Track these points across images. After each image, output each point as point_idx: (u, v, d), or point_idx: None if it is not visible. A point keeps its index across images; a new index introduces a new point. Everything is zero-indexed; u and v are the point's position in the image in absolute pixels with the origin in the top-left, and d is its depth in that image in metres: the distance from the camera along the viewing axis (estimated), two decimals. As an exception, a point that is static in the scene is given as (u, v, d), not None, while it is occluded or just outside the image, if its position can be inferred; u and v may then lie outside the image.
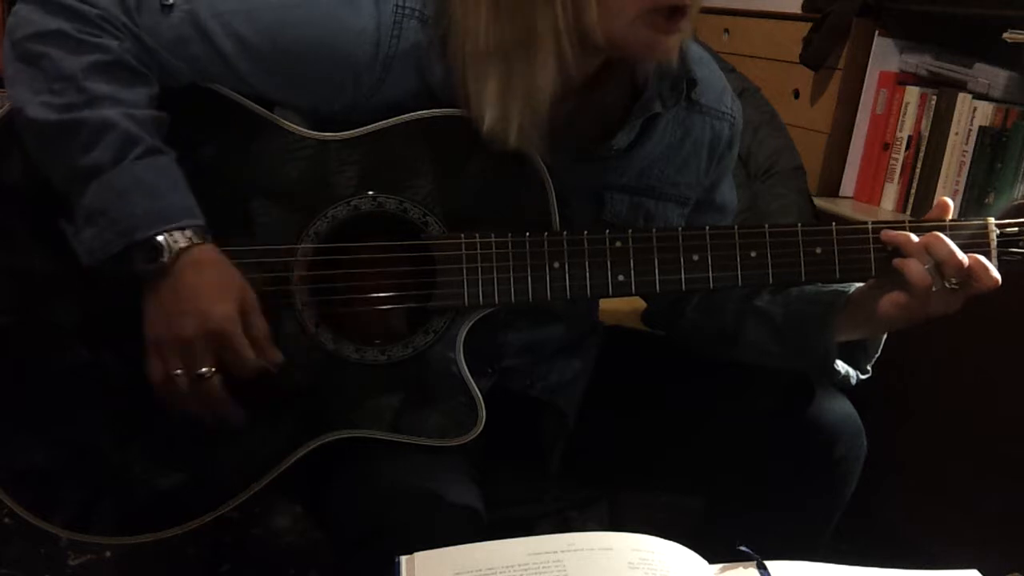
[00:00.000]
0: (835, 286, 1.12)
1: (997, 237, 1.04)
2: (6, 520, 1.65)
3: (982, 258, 1.00)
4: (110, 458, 1.05)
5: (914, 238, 1.02)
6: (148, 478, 1.06)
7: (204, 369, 0.96)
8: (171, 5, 1.00)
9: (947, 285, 1.00)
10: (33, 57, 0.97)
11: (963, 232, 1.03)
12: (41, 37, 0.97)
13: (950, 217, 1.05)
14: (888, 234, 1.03)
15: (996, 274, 1.00)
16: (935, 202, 1.06)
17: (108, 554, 1.73)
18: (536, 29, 0.98)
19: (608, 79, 1.08)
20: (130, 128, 0.96)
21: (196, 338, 0.96)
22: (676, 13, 1.00)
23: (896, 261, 1.02)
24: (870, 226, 1.05)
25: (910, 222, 1.04)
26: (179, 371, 0.97)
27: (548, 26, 0.98)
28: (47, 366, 1.05)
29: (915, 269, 1.00)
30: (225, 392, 0.99)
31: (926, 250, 1.01)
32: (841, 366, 1.14)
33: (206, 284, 0.96)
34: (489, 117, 1.00)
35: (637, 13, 0.98)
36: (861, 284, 1.10)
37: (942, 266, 1.00)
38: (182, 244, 0.95)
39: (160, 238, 0.95)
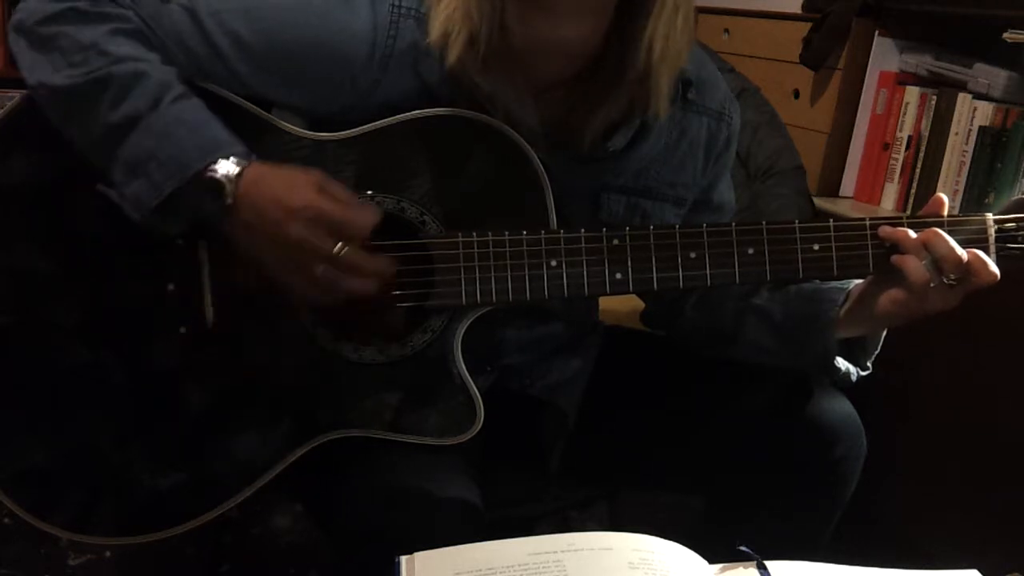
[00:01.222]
0: (834, 283, 1.12)
1: (996, 233, 1.04)
2: (6, 520, 1.65)
3: (981, 253, 1.00)
4: (110, 458, 1.05)
5: (912, 234, 1.02)
6: (148, 478, 1.06)
7: (336, 249, 0.94)
8: None
9: (945, 281, 1.00)
10: (48, 40, 0.97)
11: (962, 228, 1.03)
12: (54, 18, 0.98)
13: (945, 212, 1.05)
14: (886, 230, 1.03)
15: (995, 269, 1.00)
16: (931, 198, 1.06)
17: (108, 554, 1.73)
18: None
19: (604, 77, 1.08)
20: (161, 76, 0.97)
21: (308, 233, 0.94)
22: None
23: (894, 258, 1.02)
24: (868, 223, 1.05)
25: (908, 218, 1.04)
26: (321, 268, 0.95)
27: None
28: (47, 366, 1.05)
29: (913, 266, 1.00)
30: (367, 255, 0.97)
31: (924, 246, 1.01)
32: (841, 363, 1.14)
33: (279, 187, 0.95)
34: (434, 32, 1.00)
35: None
36: (860, 281, 1.10)
37: (941, 262, 1.00)
38: (236, 170, 0.95)
39: (218, 172, 0.94)
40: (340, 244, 0.94)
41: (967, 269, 0.99)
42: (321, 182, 0.97)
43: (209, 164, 0.94)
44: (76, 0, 0.98)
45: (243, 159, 0.96)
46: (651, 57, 1.03)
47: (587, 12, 1.02)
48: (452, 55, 1.00)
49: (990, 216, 1.04)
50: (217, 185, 0.94)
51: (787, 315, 1.16)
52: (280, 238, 0.95)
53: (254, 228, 0.96)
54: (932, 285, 1.00)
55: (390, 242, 1.04)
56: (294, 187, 0.96)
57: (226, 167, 0.95)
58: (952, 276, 1.00)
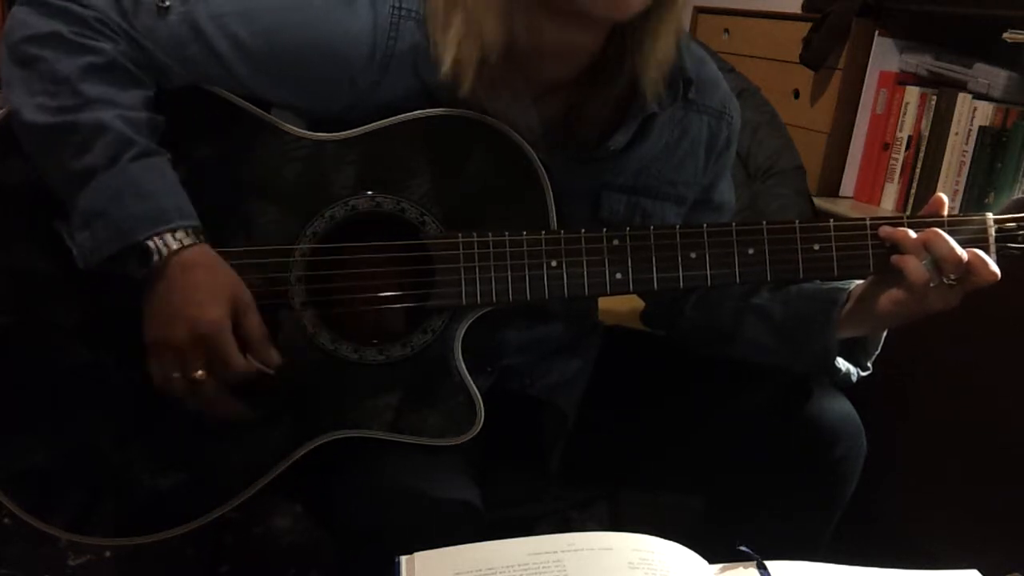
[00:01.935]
0: (835, 283, 1.12)
1: (995, 232, 1.04)
2: (6, 520, 1.65)
3: (981, 253, 1.00)
4: (110, 459, 1.05)
5: (912, 234, 1.02)
6: (148, 479, 1.06)
7: (197, 373, 0.97)
8: (167, 7, 1.00)
9: (945, 281, 1.00)
10: (29, 60, 0.97)
11: (962, 228, 1.03)
12: (37, 40, 0.97)
13: (945, 212, 1.05)
14: (886, 230, 1.03)
15: (995, 269, 1.00)
16: (931, 198, 1.06)
17: (108, 554, 1.73)
18: None
19: (604, 78, 1.08)
20: (124, 130, 0.96)
21: (185, 343, 0.96)
22: None
23: (894, 258, 1.02)
24: (868, 223, 1.05)
25: (908, 218, 1.04)
26: (176, 374, 0.97)
27: None
28: (47, 366, 1.05)
29: (913, 266, 1.00)
30: (222, 393, 0.99)
31: (924, 247, 1.01)
32: (842, 363, 1.14)
33: (196, 287, 0.96)
34: (445, 62, 1.00)
35: None
36: (860, 281, 1.10)
37: (941, 262, 1.00)
38: (173, 247, 0.96)
39: (151, 242, 0.95)
40: (203, 373, 0.97)
41: (967, 268, 0.99)
42: (245, 306, 0.98)
43: (151, 236, 0.95)
44: (61, 24, 0.97)
45: (190, 237, 0.97)
46: (651, 56, 1.03)
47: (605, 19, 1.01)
48: (466, 86, 1.00)
49: (990, 216, 1.04)
50: (149, 252, 0.95)
51: (787, 315, 1.16)
52: (165, 329, 0.97)
53: (155, 299, 0.97)
54: (932, 285, 1.00)
55: (390, 243, 1.04)
56: (213, 295, 0.97)
57: (167, 240, 0.95)
58: (952, 276, 1.00)
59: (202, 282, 0.97)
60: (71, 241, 0.97)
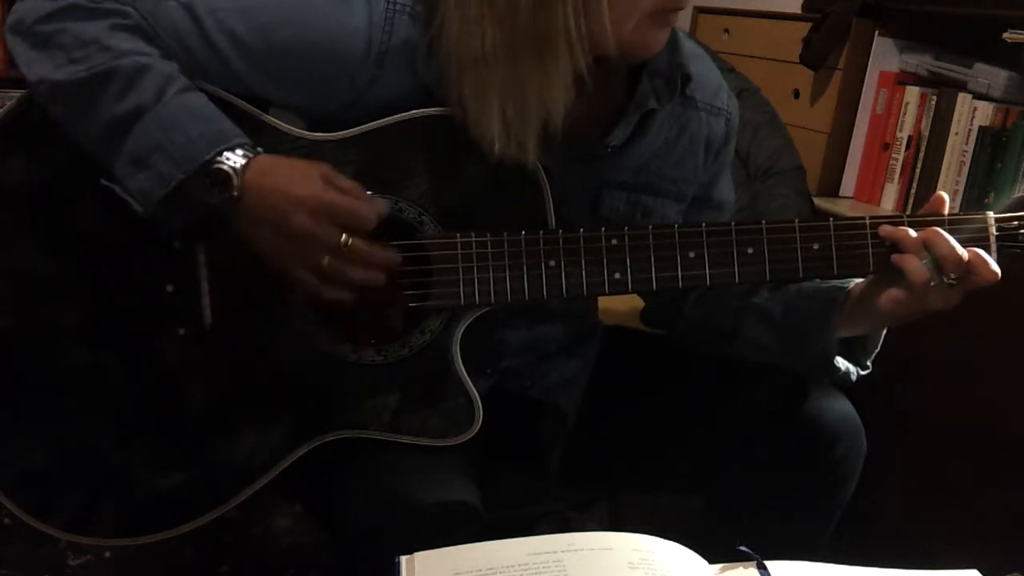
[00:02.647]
0: (834, 282, 1.12)
1: (996, 232, 1.03)
2: (6, 521, 1.65)
3: (982, 252, 1.00)
4: (110, 459, 1.05)
5: (912, 233, 1.02)
6: (147, 479, 1.06)
7: (341, 240, 0.95)
8: None
9: (946, 280, 1.00)
10: (48, 37, 0.97)
11: (962, 227, 1.03)
12: (53, 16, 0.97)
13: (946, 210, 1.05)
14: (886, 230, 1.03)
15: (996, 268, 1.00)
16: (932, 197, 1.06)
17: (108, 555, 1.73)
18: (546, 38, 0.97)
19: (603, 77, 1.08)
20: (164, 68, 0.97)
21: (313, 224, 0.94)
22: (672, 10, 1.00)
23: (894, 257, 1.02)
24: (868, 222, 1.04)
25: (908, 217, 1.04)
26: (326, 259, 0.95)
27: (559, 36, 0.97)
28: (47, 367, 1.05)
29: (913, 265, 1.00)
30: (372, 246, 0.97)
31: (925, 246, 1.00)
32: (841, 363, 1.14)
33: (284, 179, 0.95)
34: (500, 141, 0.99)
35: (646, 13, 0.98)
36: (860, 280, 1.10)
37: (941, 261, 0.99)
38: (243, 162, 0.95)
39: (223, 164, 0.94)
40: (345, 236, 0.94)
41: (968, 268, 0.99)
42: (327, 174, 0.97)
43: (216, 155, 0.94)
44: None
45: (249, 151, 0.96)
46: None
47: None
48: (532, 156, 1.00)
49: (991, 215, 1.04)
50: (223, 176, 0.94)
51: (787, 314, 1.16)
52: (285, 229, 0.95)
53: (259, 220, 0.96)
54: (932, 284, 1.00)
55: (388, 243, 1.04)
56: (300, 179, 0.96)
57: (232, 159, 0.94)
58: (952, 275, 1.00)
59: (285, 172, 0.96)
60: (126, 192, 0.96)
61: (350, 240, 0.95)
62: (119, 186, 0.96)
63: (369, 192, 1.02)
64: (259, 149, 0.97)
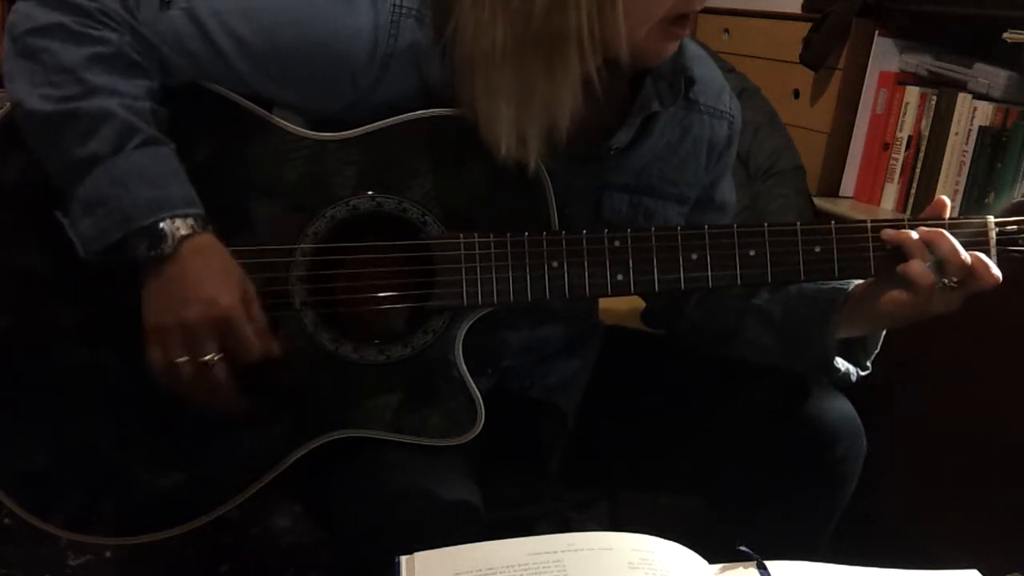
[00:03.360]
0: (834, 283, 1.12)
1: (996, 235, 1.03)
2: (6, 520, 1.65)
3: (983, 256, 1.00)
4: (110, 459, 1.05)
5: (914, 235, 1.02)
6: (148, 479, 1.06)
7: (209, 356, 0.95)
8: (169, 1, 1.00)
9: (947, 283, 1.00)
10: (33, 51, 0.97)
11: (963, 230, 1.03)
12: (41, 31, 0.97)
13: (947, 215, 1.05)
14: (888, 233, 1.03)
15: (997, 272, 1.00)
16: (933, 200, 1.06)
17: (108, 554, 1.73)
18: (558, 42, 0.97)
19: (607, 80, 1.08)
20: (129, 117, 0.95)
21: (201, 324, 0.95)
22: (685, 17, 1.00)
23: (900, 267, 1.02)
24: (869, 225, 1.04)
25: (909, 220, 1.04)
26: (184, 358, 0.96)
27: (571, 39, 0.96)
28: (47, 366, 1.05)
29: (917, 268, 1.00)
30: (231, 379, 0.98)
31: (927, 247, 1.00)
32: (841, 363, 1.14)
33: (210, 271, 0.96)
34: (506, 143, 0.99)
35: (659, 20, 0.98)
36: (861, 281, 1.10)
37: (943, 264, 1.00)
38: (184, 232, 0.95)
39: (163, 225, 0.94)
40: (216, 355, 0.95)
41: (970, 271, 0.99)
42: (251, 296, 0.97)
43: (155, 221, 0.94)
44: (64, 16, 0.97)
45: (198, 224, 0.96)
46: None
47: None
48: (534, 160, 1.00)
49: (991, 218, 1.04)
50: (159, 237, 0.94)
51: (787, 314, 1.16)
52: (178, 311, 0.95)
53: (165, 288, 0.96)
54: (934, 285, 1.00)
55: (391, 243, 1.04)
56: (226, 279, 0.96)
57: (177, 224, 0.94)
58: (954, 278, 1.00)
59: (215, 267, 0.96)
60: (72, 231, 0.96)
61: (216, 361, 0.95)
62: (67, 222, 0.96)
63: (370, 193, 1.02)
64: (209, 227, 0.97)
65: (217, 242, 0.98)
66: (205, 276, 0.95)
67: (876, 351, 1.16)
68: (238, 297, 0.96)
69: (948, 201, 1.06)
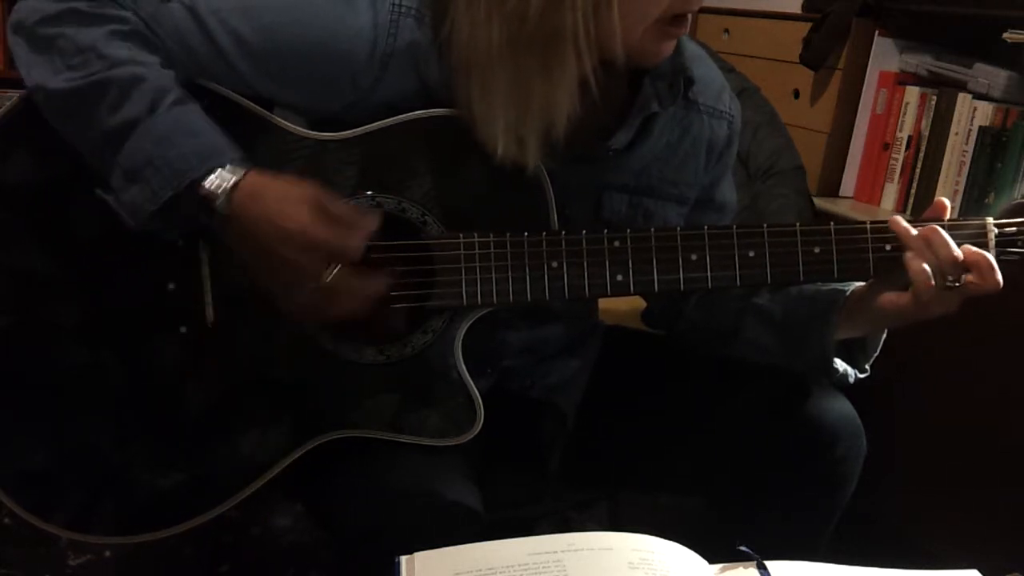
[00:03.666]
0: (834, 285, 1.12)
1: (996, 237, 1.04)
2: (6, 520, 1.65)
3: (988, 255, 1.00)
4: (110, 458, 1.05)
5: (913, 231, 1.02)
6: (148, 478, 1.06)
7: (328, 272, 0.94)
8: None
9: (945, 283, 1.00)
10: (47, 40, 0.97)
11: (961, 232, 1.03)
12: (52, 19, 0.97)
13: (947, 216, 1.05)
14: (895, 221, 1.03)
15: (999, 275, 1.00)
16: (933, 202, 1.06)
17: (108, 554, 1.73)
18: (553, 43, 0.96)
19: (606, 80, 1.08)
20: (159, 80, 0.96)
21: (298, 257, 0.94)
22: (681, 17, 1.00)
23: (905, 258, 1.02)
24: (868, 226, 1.05)
25: (908, 221, 1.04)
26: (310, 291, 0.95)
27: (567, 40, 0.96)
28: (47, 366, 1.05)
29: (917, 267, 1.00)
30: (360, 273, 0.96)
31: (925, 243, 1.01)
32: (839, 364, 1.14)
33: (275, 207, 0.94)
34: (503, 144, 0.99)
35: (655, 20, 0.98)
36: (861, 283, 1.10)
37: (939, 261, 1.00)
38: (231, 181, 0.94)
39: (209, 179, 0.93)
40: (330, 269, 0.94)
41: (976, 269, 0.99)
42: (317, 200, 0.95)
43: (206, 172, 0.93)
44: (76, 1, 0.97)
45: (240, 167, 0.95)
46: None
47: None
48: (532, 161, 1.00)
49: (990, 220, 1.04)
50: (211, 198, 0.93)
51: (788, 315, 1.16)
52: (271, 258, 0.94)
53: (246, 242, 0.96)
54: (933, 286, 1.00)
55: (390, 243, 1.04)
56: (288, 206, 0.94)
57: (222, 177, 0.94)
58: (951, 278, 1.00)
59: (274, 201, 0.95)
60: (117, 204, 0.95)
61: (334, 273, 0.94)
62: (112, 197, 0.96)
63: (369, 193, 1.02)
64: (250, 164, 0.96)
65: (260, 175, 0.96)
66: (272, 212, 0.94)
67: (875, 353, 1.16)
68: (308, 209, 0.94)
69: (948, 203, 1.06)
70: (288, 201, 0.95)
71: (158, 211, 0.94)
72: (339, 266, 0.95)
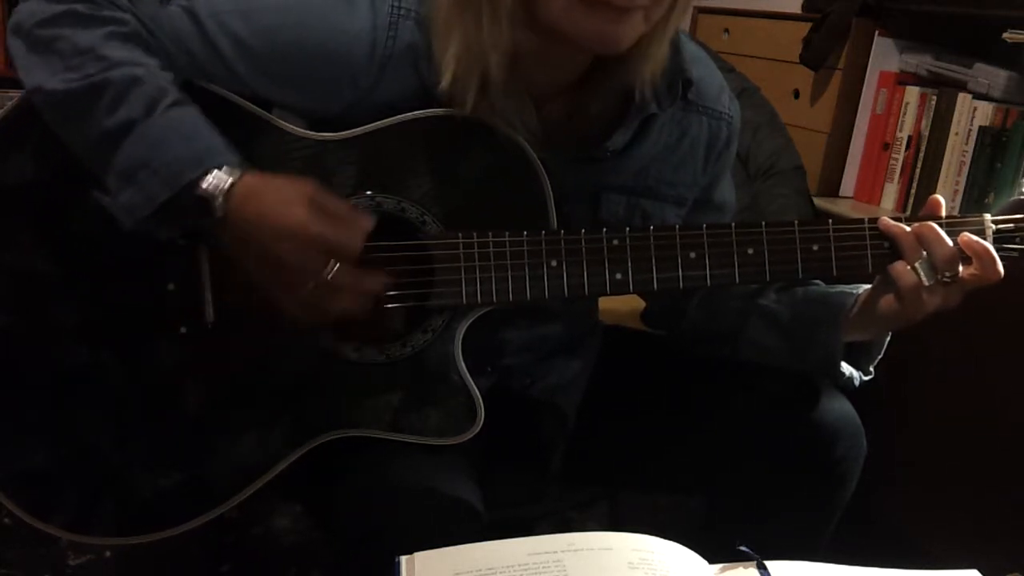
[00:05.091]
0: (843, 287, 1.12)
1: (993, 233, 1.04)
2: (6, 520, 1.65)
3: (987, 243, 1.00)
4: (110, 459, 1.05)
5: (907, 229, 1.02)
6: (148, 478, 1.06)
7: (327, 269, 0.94)
8: None
9: (941, 279, 1.00)
10: (46, 42, 0.97)
11: (959, 229, 1.03)
12: (51, 21, 0.97)
13: (943, 213, 1.05)
14: (885, 222, 1.03)
15: (999, 265, 1.00)
16: (927, 200, 1.07)
17: (108, 554, 1.73)
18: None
19: (603, 80, 1.08)
20: (156, 81, 0.96)
21: (297, 255, 0.93)
22: None
23: (889, 267, 1.02)
24: (867, 223, 1.05)
25: (906, 219, 1.04)
26: (310, 289, 0.94)
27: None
28: (47, 367, 1.05)
29: (899, 269, 1.01)
30: (359, 270, 0.96)
31: (918, 240, 1.01)
32: (845, 367, 1.14)
33: (271, 205, 0.94)
34: (445, 79, 0.99)
35: None
36: (868, 286, 1.10)
37: (933, 257, 1.00)
38: (229, 182, 0.93)
39: (205, 180, 0.92)
40: (330, 266, 0.94)
41: (977, 260, 0.99)
42: (314, 197, 0.95)
43: (202, 174, 0.93)
44: (74, 3, 0.97)
45: (236, 170, 0.95)
46: (650, 59, 1.03)
47: None
48: (469, 104, 1.00)
49: (988, 217, 1.04)
50: (208, 200, 0.93)
51: (796, 317, 1.16)
52: (270, 256, 0.94)
53: (245, 242, 0.95)
54: (927, 283, 1.00)
55: (390, 243, 1.04)
56: (286, 205, 0.94)
57: (219, 178, 0.93)
58: (947, 273, 1.00)
59: (271, 200, 0.94)
60: (114, 205, 0.95)
61: (334, 270, 0.94)
62: (108, 199, 0.96)
63: (368, 193, 1.02)
64: (247, 166, 0.96)
65: (257, 176, 0.96)
66: (269, 212, 0.94)
67: (880, 356, 1.16)
68: (306, 207, 0.94)
69: (942, 200, 1.06)
70: (286, 199, 0.95)
71: (153, 213, 0.94)
72: (339, 263, 0.95)
